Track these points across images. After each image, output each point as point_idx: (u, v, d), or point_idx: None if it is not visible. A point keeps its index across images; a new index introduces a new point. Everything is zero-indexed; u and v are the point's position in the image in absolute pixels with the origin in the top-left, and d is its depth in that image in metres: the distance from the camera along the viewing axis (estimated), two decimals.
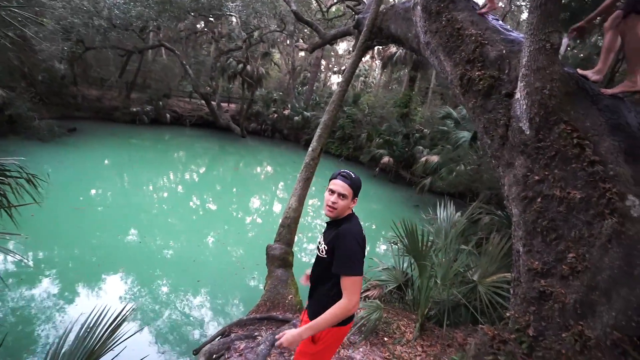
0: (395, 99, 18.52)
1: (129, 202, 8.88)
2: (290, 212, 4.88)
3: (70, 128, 13.82)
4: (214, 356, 3.16)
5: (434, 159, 12.02)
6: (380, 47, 21.22)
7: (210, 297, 5.40)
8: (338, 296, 1.73)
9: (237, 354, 3.07)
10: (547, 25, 2.54)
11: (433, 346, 3.18)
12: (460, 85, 3.36)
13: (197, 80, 18.28)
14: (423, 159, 12.57)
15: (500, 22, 3.51)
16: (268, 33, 19.01)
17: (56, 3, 11.08)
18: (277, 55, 29.55)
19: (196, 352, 3.49)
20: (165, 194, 10.44)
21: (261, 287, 5.07)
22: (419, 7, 3.95)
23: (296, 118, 20.42)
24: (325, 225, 1.89)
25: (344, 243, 1.65)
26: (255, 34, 19.05)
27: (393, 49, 19.10)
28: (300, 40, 19.61)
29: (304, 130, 19.97)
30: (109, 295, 4.98)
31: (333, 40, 9.65)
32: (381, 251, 8.43)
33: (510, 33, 3.20)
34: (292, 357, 2.86)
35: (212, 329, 4.62)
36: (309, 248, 8.14)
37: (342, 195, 1.72)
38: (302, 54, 28.94)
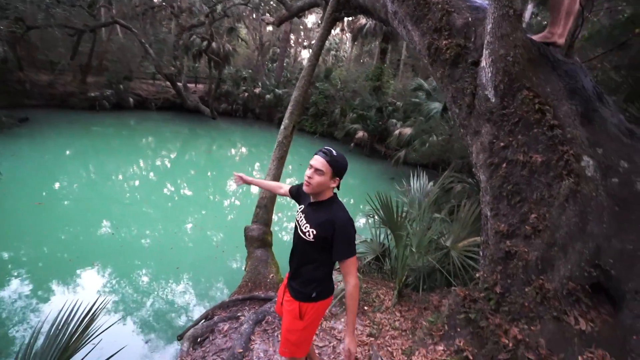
0: (367, 73, 18.37)
1: (97, 194, 8.49)
2: (266, 192, 4.84)
3: (21, 118, 12.80)
4: (198, 340, 3.18)
5: (407, 131, 12.19)
6: (350, 19, 20.72)
7: (193, 283, 5.37)
8: (322, 274, 1.83)
9: (222, 335, 3.10)
10: None
11: (410, 310, 3.35)
12: (428, 55, 3.36)
13: (159, 60, 17.25)
14: (397, 131, 12.72)
15: None
16: (232, 6, 18.06)
17: None
18: (243, 31, 28.26)
19: (180, 337, 3.50)
20: (137, 183, 10.04)
21: (243, 269, 5.09)
22: None
23: (268, 96, 19.92)
24: (305, 205, 1.87)
25: (344, 232, 1.70)
26: (219, 7, 18.02)
27: (362, 20, 18.72)
28: (267, 14, 18.80)
29: (277, 109, 19.56)
30: (87, 290, 4.83)
31: (300, 12, 9.30)
32: (360, 225, 8.62)
33: (475, 0, 3.20)
34: (276, 334, 2.93)
35: (198, 313, 4.62)
36: (289, 227, 8.19)
37: (318, 171, 1.70)
38: (269, 28, 27.82)
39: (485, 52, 2.80)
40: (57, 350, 1.73)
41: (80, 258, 5.48)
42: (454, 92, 3.15)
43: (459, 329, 2.62)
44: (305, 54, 35.91)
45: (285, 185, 2.26)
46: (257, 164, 13.84)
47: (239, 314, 3.42)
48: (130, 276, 5.33)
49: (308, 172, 1.73)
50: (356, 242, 4.56)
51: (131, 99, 18.51)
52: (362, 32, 19.16)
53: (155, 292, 5.04)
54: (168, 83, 18.85)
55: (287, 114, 5.14)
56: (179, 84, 18.73)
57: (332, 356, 2.70)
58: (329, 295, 1.92)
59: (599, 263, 2.11)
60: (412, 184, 4.71)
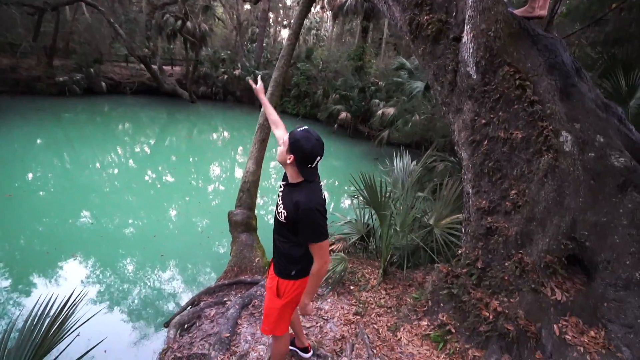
0: (349, 52, 18.05)
1: (74, 184, 8.15)
2: (248, 175, 4.76)
3: None
4: (185, 326, 3.17)
5: (390, 111, 12.16)
6: None
7: (179, 270, 5.31)
8: (300, 252, 1.81)
9: (208, 320, 3.09)
10: None
11: (395, 288, 3.42)
12: (409, 32, 3.28)
13: (131, 42, 16.35)
14: (379, 112, 12.67)
15: None
16: None
17: None
18: (219, 10, 27.05)
19: (167, 324, 3.47)
20: (116, 171, 9.69)
21: (229, 254, 5.05)
22: None
23: (248, 78, 19.33)
24: (284, 184, 1.82)
25: (308, 217, 1.65)
26: None
27: None
28: None
29: None
30: (69, 282, 4.70)
31: None
32: (345, 206, 8.67)
33: None
34: (262, 317, 2.94)
35: (185, 300, 4.58)
36: (273, 211, 8.14)
37: (284, 142, 1.71)
38: (247, 6, 26.74)
39: (466, 27, 2.76)
40: (32, 346, 1.67)
41: (59, 250, 5.31)
42: (436, 69, 3.11)
43: (442, 304, 2.69)
44: (285, 33, 34.87)
45: (282, 132, 2.06)
46: (240, 147, 13.59)
47: (225, 299, 3.41)
48: (114, 266, 5.22)
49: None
50: (341, 223, 4.61)
51: (103, 84, 17.61)
52: (343, 9, 18.66)
53: (141, 281, 4.97)
54: (142, 66, 17.96)
55: (267, 95, 5.00)
56: (153, 66, 17.90)
57: (320, 336, 2.74)
58: (307, 275, 1.89)
59: (574, 235, 2.18)
60: (395, 163, 4.72)
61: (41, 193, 7.34)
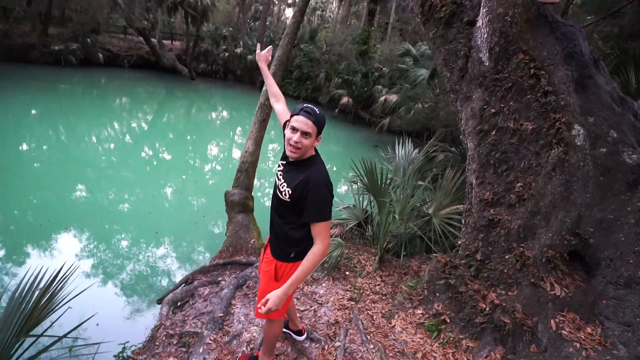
0: (354, 35, 17.63)
1: (69, 157, 8.01)
2: (247, 156, 4.67)
3: None
4: (178, 303, 3.15)
5: (393, 98, 11.97)
6: None
7: (173, 247, 5.28)
8: (300, 234, 1.73)
9: (202, 299, 3.07)
10: None
11: (391, 275, 3.41)
12: (421, 13, 3.15)
13: (130, 12, 15.83)
14: (382, 98, 12.48)
15: None
16: None
17: None
18: None
19: (160, 301, 3.45)
20: (112, 146, 9.54)
21: (224, 234, 5.02)
22: None
23: (250, 57, 18.93)
24: (284, 163, 1.75)
25: (317, 193, 1.58)
26: None
27: None
28: None
29: (259, 71, 18.59)
30: (63, 255, 4.66)
31: None
32: (342, 191, 8.63)
33: None
34: (256, 298, 2.92)
35: (178, 277, 4.57)
36: (271, 193, 8.09)
37: (305, 134, 1.56)
38: None
39: (482, 11, 2.64)
40: (21, 316, 1.63)
41: (52, 222, 5.24)
42: (446, 54, 3.00)
43: (438, 294, 2.68)
44: (290, 13, 33.99)
45: (283, 107, 2.04)
46: (239, 128, 13.41)
47: (219, 279, 3.38)
48: (108, 241, 5.18)
49: (294, 136, 1.57)
50: (339, 208, 4.57)
51: (101, 55, 17.11)
52: None
53: (135, 257, 4.94)
54: (141, 38, 17.46)
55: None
56: (153, 40, 17.39)
57: (313, 319, 2.73)
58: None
59: (579, 231, 2.14)
60: (397, 150, 4.64)
61: (35, 165, 7.22)
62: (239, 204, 4.41)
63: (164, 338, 2.62)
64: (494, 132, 2.55)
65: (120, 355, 2.63)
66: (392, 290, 3.15)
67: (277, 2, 31.92)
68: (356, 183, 4.41)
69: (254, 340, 2.45)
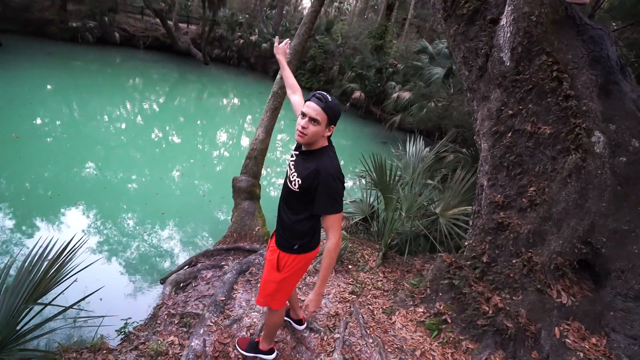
0: (371, 29, 17.38)
1: (81, 133, 8.09)
2: (257, 143, 4.66)
3: None
4: (181, 284, 3.18)
5: (406, 95, 11.84)
6: None
7: (178, 229, 5.33)
8: (307, 226, 1.72)
9: (204, 282, 3.10)
10: None
11: (393, 272, 3.40)
12: (443, 9, 3.08)
13: None
14: (395, 95, 12.34)
15: None
16: None
17: None
18: None
19: (163, 281, 3.50)
20: (123, 125, 9.60)
21: (229, 220, 5.04)
22: None
23: (264, 45, 18.81)
24: (297, 153, 1.73)
25: (327, 184, 1.56)
26: None
27: None
28: None
29: (272, 59, 18.54)
30: (70, 229, 4.74)
31: None
32: (349, 185, 8.61)
33: None
34: (259, 285, 2.94)
35: (181, 259, 4.62)
36: (277, 182, 8.11)
37: (313, 120, 1.53)
38: None
39: (507, 9, 2.57)
40: (30, 285, 1.66)
41: (62, 196, 5.33)
42: (466, 52, 2.93)
43: (440, 294, 2.67)
44: (307, 3, 33.64)
45: (299, 99, 2.01)
46: (249, 116, 13.39)
47: (222, 263, 3.41)
48: (115, 218, 5.24)
49: (302, 121, 1.56)
50: (346, 202, 4.56)
51: (117, 34, 17.14)
52: None
53: (140, 236, 5.00)
54: (157, 20, 17.42)
55: None
56: (169, 22, 17.35)
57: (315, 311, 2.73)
58: (312, 250, 1.84)
59: (590, 240, 2.10)
60: (407, 147, 4.60)
61: (48, 139, 7.31)
62: (246, 191, 4.42)
63: (166, 317, 2.65)
64: (510, 134, 2.50)
65: (122, 330, 2.67)
66: (394, 286, 3.14)
67: None
68: (364, 178, 4.39)
69: (254, 326, 2.47)
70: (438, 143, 5.21)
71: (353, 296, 2.95)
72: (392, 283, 3.20)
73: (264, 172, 6.25)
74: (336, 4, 31.67)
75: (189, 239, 5.24)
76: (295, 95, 2.05)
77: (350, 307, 2.80)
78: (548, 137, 2.30)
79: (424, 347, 2.39)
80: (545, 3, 2.39)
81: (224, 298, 2.69)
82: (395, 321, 2.63)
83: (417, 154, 4.55)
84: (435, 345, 2.40)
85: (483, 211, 2.65)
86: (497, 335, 2.23)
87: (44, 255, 1.83)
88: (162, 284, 3.52)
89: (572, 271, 2.14)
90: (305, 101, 1.61)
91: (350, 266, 3.40)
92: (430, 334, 2.49)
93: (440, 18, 3.22)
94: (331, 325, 2.56)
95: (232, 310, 2.62)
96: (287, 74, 2.13)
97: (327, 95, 1.57)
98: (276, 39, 2.24)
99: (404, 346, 2.41)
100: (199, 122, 11.68)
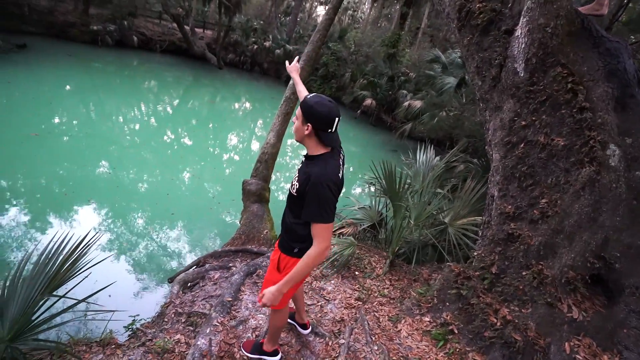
0: (384, 38, 17.47)
1: (96, 133, 8.30)
2: (268, 147, 4.71)
3: (19, 44, 12.16)
4: (189, 284, 3.22)
5: (417, 104, 11.83)
6: None
7: (187, 230, 5.40)
8: (306, 231, 1.71)
9: (212, 282, 3.13)
10: None
11: (400, 280, 3.37)
12: (457, 19, 3.09)
13: None
14: (406, 103, 12.34)
15: None
16: None
17: None
18: None
19: (171, 280, 3.54)
20: (137, 126, 9.82)
21: (237, 222, 5.09)
22: None
23: (277, 51, 19.05)
24: (303, 157, 1.77)
25: (315, 191, 1.54)
26: None
27: None
28: None
29: (285, 65, 18.78)
30: (82, 225, 4.84)
31: None
32: (357, 193, 8.60)
33: None
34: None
35: (189, 259, 4.68)
36: (286, 187, 8.15)
37: (296, 116, 1.63)
38: None
39: (522, 20, 2.57)
40: (45, 277, 1.70)
41: (76, 194, 5.45)
42: (480, 62, 2.94)
43: (447, 304, 2.64)
44: (321, 11, 34.05)
45: None
46: (260, 120, 13.54)
47: (230, 265, 3.44)
48: (125, 217, 5.34)
49: None
50: (354, 208, 4.56)
51: (135, 38, 17.61)
52: None
53: (149, 235, 5.07)
54: (174, 25, 17.85)
55: None
56: (186, 27, 17.76)
57: (319, 315, 2.73)
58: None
59: (604, 255, 2.06)
60: (418, 156, 4.59)
61: (65, 138, 7.51)
62: (255, 194, 4.46)
63: (173, 315, 2.68)
64: (522, 145, 2.49)
65: (130, 326, 2.71)
66: (400, 295, 3.12)
67: None
68: (374, 185, 4.39)
69: (260, 328, 2.48)
70: (449, 152, 5.19)
71: (359, 302, 2.94)
72: (398, 291, 3.18)
73: (273, 176, 6.30)
74: (350, 12, 31.99)
75: (198, 239, 5.30)
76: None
77: (355, 313, 2.78)
78: (561, 149, 2.28)
79: (429, 357, 2.36)
80: (561, 15, 2.39)
81: (230, 299, 2.71)
82: (401, 329, 2.61)
83: (427, 162, 4.53)
84: (441, 356, 2.37)
85: (493, 222, 2.62)
86: (504, 348, 2.19)
87: (59, 250, 1.88)
88: (169, 283, 3.56)
89: (584, 286, 2.10)
90: None
91: (357, 272, 3.39)
92: (436, 344, 2.46)
93: (454, 28, 3.24)
94: (336, 331, 2.55)
95: (238, 312, 2.63)
96: (300, 89, 2.17)
97: (317, 95, 1.58)
98: (295, 60, 2.31)
99: (410, 355, 2.38)
100: (211, 125, 11.86)
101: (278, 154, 4.98)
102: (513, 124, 2.58)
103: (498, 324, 2.24)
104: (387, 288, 3.22)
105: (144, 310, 3.22)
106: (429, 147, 4.75)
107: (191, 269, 3.50)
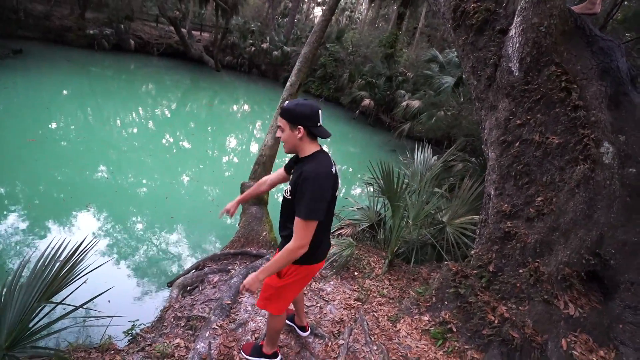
0: (381, 38, 17.52)
1: (94, 137, 8.30)
2: (266, 149, 4.72)
3: (15, 49, 12.16)
4: (188, 288, 3.22)
5: (415, 103, 11.85)
6: None
7: (186, 234, 5.40)
8: None
9: (211, 286, 3.13)
10: None
11: (399, 280, 3.38)
12: (452, 19, 3.11)
13: (163, 1, 16.24)
14: (404, 103, 12.37)
15: None
16: None
17: None
18: None
19: (170, 284, 3.54)
20: (135, 130, 9.83)
21: (236, 225, 5.09)
22: None
23: (275, 53, 19.09)
24: (295, 164, 1.78)
25: (304, 186, 1.55)
26: None
27: None
28: None
29: (284, 67, 18.82)
30: (81, 231, 4.84)
31: None
32: (356, 193, 8.61)
33: None
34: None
35: (189, 263, 4.68)
36: (284, 188, 8.15)
37: (279, 129, 1.64)
38: None
39: (516, 20, 2.58)
40: (43, 284, 1.71)
41: (74, 199, 5.45)
42: (475, 61, 2.95)
43: (446, 302, 2.65)
44: (318, 12, 34.11)
45: (269, 177, 2.13)
46: (259, 122, 13.55)
47: (229, 268, 3.44)
48: (124, 221, 5.34)
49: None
50: (352, 209, 4.57)
51: (132, 41, 17.62)
52: None
53: (148, 239, 5.08)
54: (171, 28, 17.88)
55: (294, 71, 4.89)
56: (183, 29, 17.79)
57: (319, 316, 2.74)
58: (315, 262, 1.82)
59: (599, 252, 2.08)
60: (415, 156, 4.60)
61: (63, 143, 7.51)
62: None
63: (172, 320, 2.68)
64: (517, 144, 2.50)
65: (130, 332, 2.72)
66: (399, 294, 3.13)
67: (306, 0, 32.09)
68: (372, 185, 4.40)
69: (259, 330, 2.49)
70: (447, 151, 5.21)
71: (358, 303, 2.94)
72: (397, 291, 3.19)
73: None
74: (347, 13, 32.05)
75: (197, 243, 5.30)
76: (272, 177, 2.12)
77: (355, 314, 2.79)
78: (556, 147, 2.29)
79: (428, 356, 2.37)
80: (555, 14, 2.40)
81: (230, 302, 2.71)
82: (400, 329, 2.62)
83: (425, 162, 4.54)
84: (440, 354, 2.38)
85: (490, 220, 2.63)
86: (502, 345, 2.20)
87: (57, 256, 1.88)
88: (169, 287, 3.56)
89: (580, 282, 2.11)
90: None
91: (356, 273, 3.40)
92: (435, 343, 2.47)
93: (449, 28, 3.25)
94: (336, 332, 2.56)
95: (237, 314, 2.64)
96: (251, 193, 2.18)
97: (290, 102, 1.62)
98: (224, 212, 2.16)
99: (409, 354, 2.39)
100: (209, 128, 11.87)
101: (276, 156, 4.99)
102: (508, 123, 2.60)
103: (496, 321, 2.25)
104: (387, 288, 3.23)
105: (144, 315, 3.22)
106: (426, 146, 4.76)
107: (190, 273, 3.51)
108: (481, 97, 2.91)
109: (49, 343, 2.52)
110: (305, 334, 2.46)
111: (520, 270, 2.31)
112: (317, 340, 2.45)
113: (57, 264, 1.81)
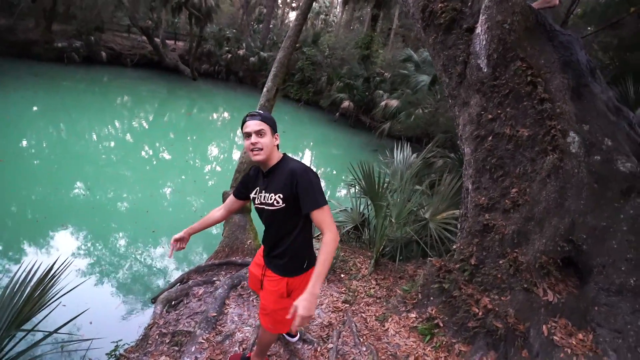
0: (357, 40, 17.73)
1: (69, 154, 8.02)
2: (246, 156, 4.68)
3: None
4: (173, 302, 3.14)
5: (394, 103, 12.03)
6: None
7: (169, 247, 5.27)
8: (304, 239, 1.72)
9: (196, 299, 3.07)
10: None
11: (386, 279, 3.41)
12: (421, 19, 3.18)
13: (134, 11, 15.92)
14: (383, 103, 12.53)
15: None
16: None
17: None
18: None
19: (154, 300, 3.45)
20: (112, 144, 9.55)
21: (221, 234, 5.02)
22: None
23: (252, 59, 19.02)
24: (264, 177, 1.72)
25: (305, 180, 1.57)
26: None
27: None
28: None
29: (261, 73, 18.76)
30: (58, 252, 4.65)
31: None
32: (340, 195, 8.63)
33: None
34: (251, 299, 2.92)
35: (175, 277, 4.55)
36: (269, 201, 8.09)
37: (259, 133, 1.61)
38: None
39: (481, 18, 2.66)
40: (13, 310, 1.63)
41: (49, 218, 5.24)
42: (446, 60, 3.02)
43: (432, 298, 2.68)
44: (293, 16, 34.20)
45: (222, 206, 2.03)
46: (239, 129, 13.43)
47: (214, 279, 3.38)
48: (104, 238, 5.17)
49: (250, 140, 1.61)
50: (336, 211, 4.58)
51: (104, 53, 17.19)
52: None
53: (131, 255, 4.93)
54: (144, 38, 17.56)
55: (270, 77, 4.88)
56: (156, 39, 17.50)
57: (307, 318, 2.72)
58: (314, 261, 1.76)
59: (572, 238, 2.15)
60: (395, 155, 4.67)
61: (35, 161, 7.23)
62: None
63: (157, 337, 2.61)
64: (490, 138, 2.57)
65: (113, 353, 2.63)
66: (386, 293, 3.15)
67: (281, 5, 32.13)
68: (354, 186, 4.43)
69: (247, 341, 2.45)
70: (425, 149, 5.30)
71: (346, 305, 2.95)
72: (384, 290, 3.21)
73: None
74: (322, 16, 32.27)
75: (182, 255, 5.18)
76: (220, 210, 2.03)
77: (343, 316, 2.79)
78: (526, 139, 2.37)
79: (417, 353, 2.39)
80: (517, 11, 2.49)
81: (215, 314, 2.67)
82: (388, 328, 2.63)
83: (405, 160, 4.61)
84: (429, 350, 2.40)
85: (469, 214, 2.69)
86: (488, 336, 2.25)
87: (28, 279, 1.80)
88: (153, 303, 3.47)
89: (556, 269, 2.18)
90: (242, 125, 1.67)
91: (342, 275, 3.40)
92: (423, 339, 2.50)
93: (419, 28, 3.32)
94: (324, 336, 2.55)
95: (224, 326, 2.59)
96: (202, 223, 2.07)
97: (257, 110, 1.70)
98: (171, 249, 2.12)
99: (398, 352, 2.40)
100: (189, 137, 11.67)
101: None
102: (480, 118, 2.67)
103: (480, 313, 2.30)
104: (373, 288, 3.24)
105: (128, 334, 3.12)
106: (405, 145, 4.83)
107: (175, 287, 3.42)
108: (454, 94, 2.98)
109: None
110: (294, 340, 2.44)
111: (500, 261, 2.37)
112: (306, 346, 2.44)
113: (28, 289, 1.73)
